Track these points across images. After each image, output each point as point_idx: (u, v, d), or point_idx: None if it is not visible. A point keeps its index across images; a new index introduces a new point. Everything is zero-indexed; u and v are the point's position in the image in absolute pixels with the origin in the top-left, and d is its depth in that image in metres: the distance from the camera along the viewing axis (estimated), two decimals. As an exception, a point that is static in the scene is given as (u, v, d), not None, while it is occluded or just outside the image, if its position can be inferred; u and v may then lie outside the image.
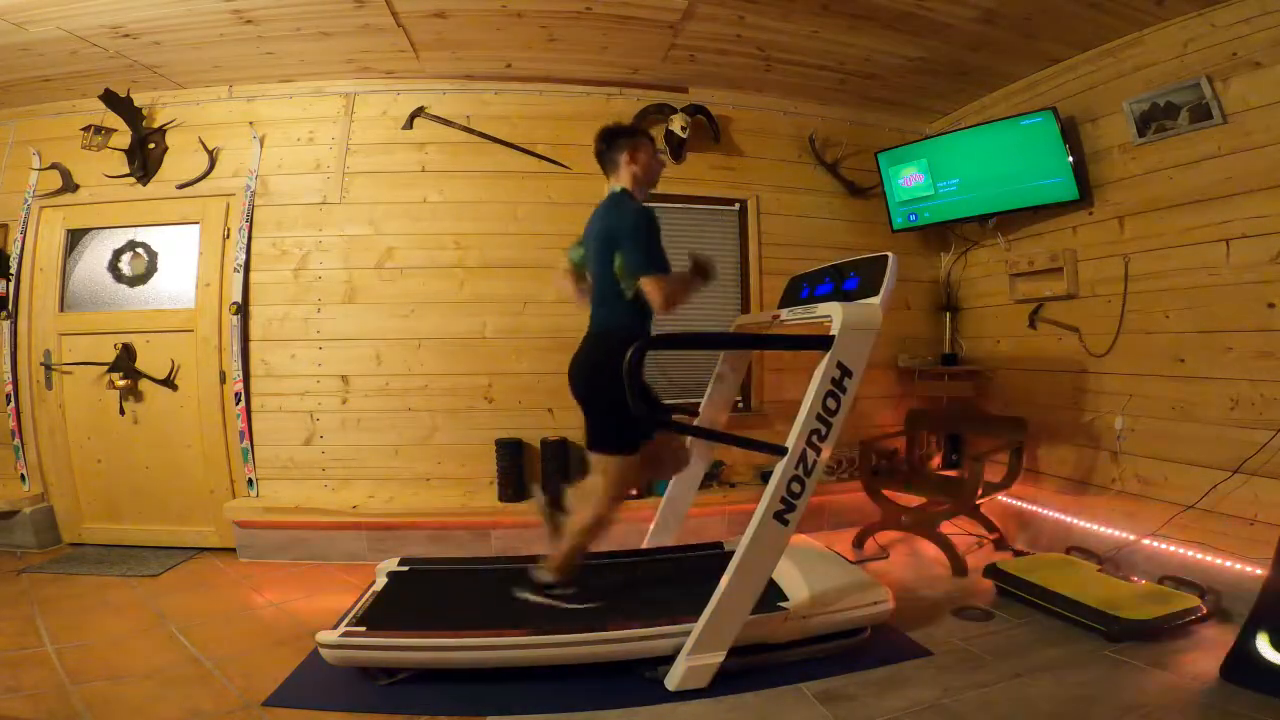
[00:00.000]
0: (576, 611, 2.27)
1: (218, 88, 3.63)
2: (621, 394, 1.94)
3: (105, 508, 3.55)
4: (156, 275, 3.59)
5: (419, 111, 3.65)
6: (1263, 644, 1.99)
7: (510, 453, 3.44)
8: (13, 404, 3.49)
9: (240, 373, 3.47)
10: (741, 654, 2.10)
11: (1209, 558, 2.54)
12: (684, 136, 3.70)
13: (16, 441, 3.50)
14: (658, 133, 3.73)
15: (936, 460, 4.01)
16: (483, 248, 3.64)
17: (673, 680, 2.02)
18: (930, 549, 3.24)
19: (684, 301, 2.23)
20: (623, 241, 2.18)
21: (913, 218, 3.95)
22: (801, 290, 2.65)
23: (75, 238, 3.59)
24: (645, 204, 2.31)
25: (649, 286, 2.12)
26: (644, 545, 2.96)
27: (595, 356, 2.26)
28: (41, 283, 3.54)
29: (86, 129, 3.50)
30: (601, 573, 2.71)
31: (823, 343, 2.03)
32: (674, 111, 3.70)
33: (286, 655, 2.25)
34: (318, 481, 3.55)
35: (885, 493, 3.41)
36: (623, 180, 2.35)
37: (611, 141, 2.37)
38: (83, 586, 2.93)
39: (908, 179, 3.90)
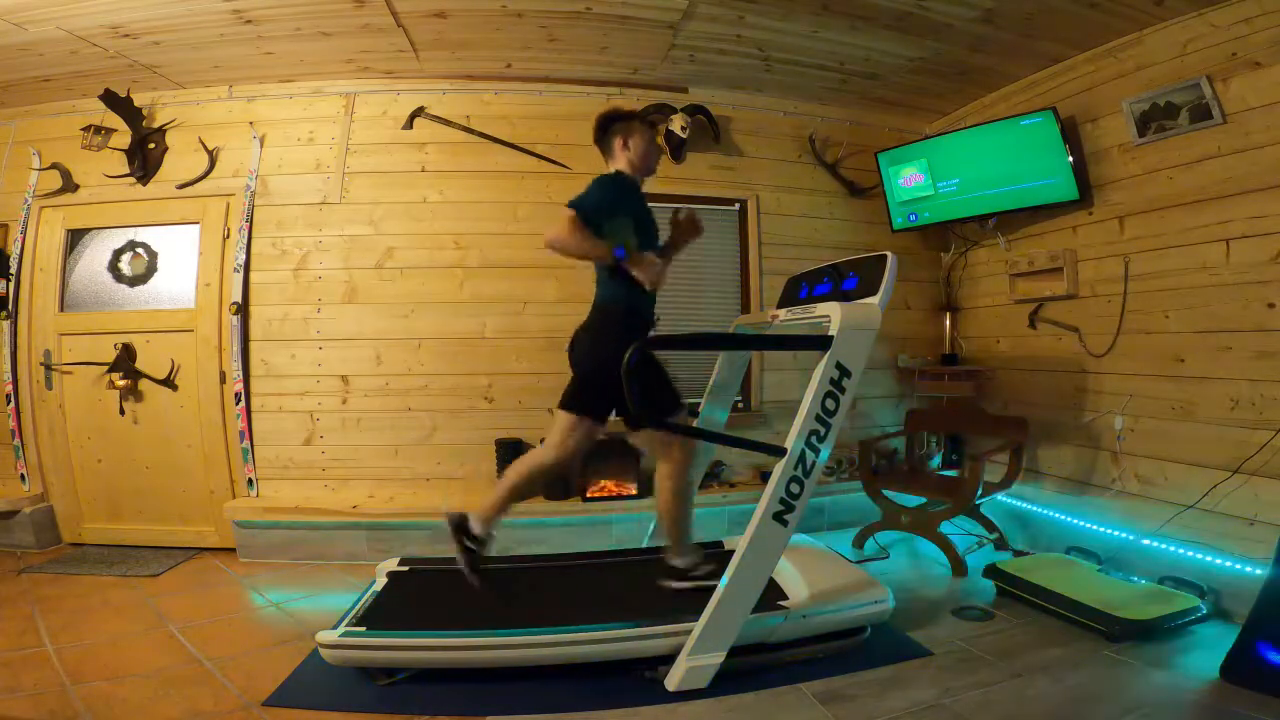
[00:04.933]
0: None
1: (218, 88, 3.63)
2: (613, 368, 1.97)
3: (105, 508, 3.55)
4: (156, 275, 3.59)
5: (419, 111, 3.65)
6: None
7: (510, 453, 3.43)
8: (13, 404, 3.49)
9: (240, 373, 3.47)
10: (741, 654, 2.09)
11: (1209, 558, 2.54)
12: (684, 136, 3.70)
13: (16, 441, 3.50)
14: (657, 133, 3.74)
15: (937, 460, 4.01)
16: (483, 248, 3.64)
17: (673, 680, 2.02)
18: (930, 549, 3.24)
19: (577, 251, 2.20)
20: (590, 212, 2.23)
21: (913, 218, 3.95)
22: (800, 290, 2.65)
23: (75, 238, 3.59)
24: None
25: (561, 215, 2.16)
26: (644, 545, 2.96)
27: (593, 329, 2.38)
28: (41, 283, 3.54)
29: (86, 129, 3.50)
30: (602, 572, 2.72)
31: (821, 343, 2.03)
32: (674, 111, 3.69)
33: (286, 655, 2.25)
34: (318, 481, 3.55)
35: (885, 493, 3.41)
36: (618, 164, 2.42)
37: (607, 127, 2.43)
38: (83, 586, 2.93)
39: (908, 179, 3.90)
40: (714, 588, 2.10)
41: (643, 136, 2.41)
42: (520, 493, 2.45)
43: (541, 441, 3.41)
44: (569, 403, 2.43)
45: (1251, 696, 1.91)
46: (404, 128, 3.64)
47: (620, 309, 2.34)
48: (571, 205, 2.18)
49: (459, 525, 2.39)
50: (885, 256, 2.19)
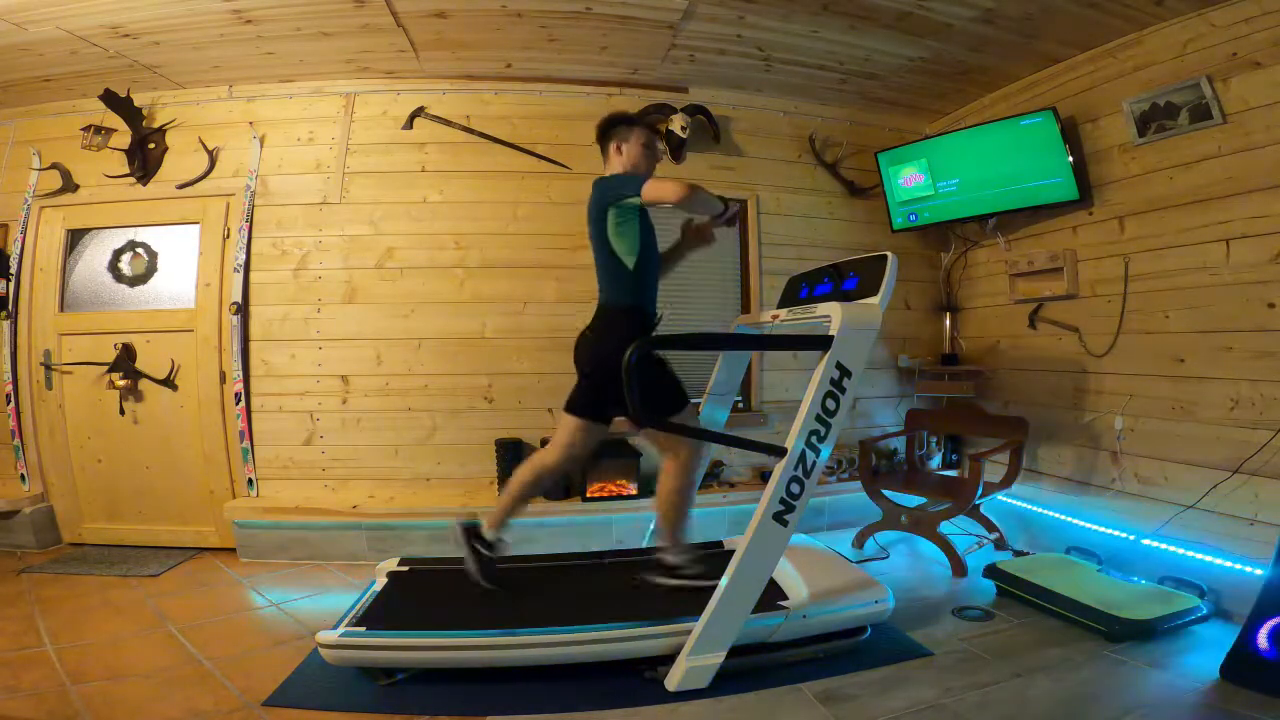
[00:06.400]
0: (706, 589, 2.15)
1: (218, 88, 3.63)
2: (616, 368, 1.96)
3: (105, 508, 3.55)
4: (156, 275, 3.59)
5: (419, 111, 3.65)
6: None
7: (510, 453, 3.44)
8: (13, 404, 3.49)
9: (240, 373, 3.47)
10: (741, 654, 2.09)
11: (1209, 558, 2.54)
12: (684, 136, 3.69)
13: (16, 441, 3.50)
14: (658, 134, 3.74)
15: (937, 460, 4.01)
16: (483, 248, 3.64)
17: (673, 680, 2.02)
18: (930, 549, 3.24)
19: (688, 194, 2.13)
20: (611, 197, 2.27)
21: (913, 218, 3.95)
22: (801, 290, 2.65)
23: (75, 238, 3.58)
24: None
25: (650, 189, 2.17)
26: (644, 545, 2.96)
27: (597, 330, 2.40)
28: (41, 283, 3.54)
29: (86, 129, 3.50)
30: (602, 572, 2.72)
31: (822, 343, 2.03)
32: (674, 111, 3.69)
33: (286, 655, 2.26)
34: (318, 481, 3.55)
35: (885, 493, 3.41)
36: (613, 168, 2.46)
37: (606, 130, 2.47)
38: (83, 586, 2.93)
39: (908, 179, 3.90)
40: (704, 588, 2.11)
41: (637, 140, 2.43)
42: (527, 495, 2.50)
43: (544, 443, 3.47)
44: (574, 405, 2.46)
45: (1251, 696, 1.91)
46: (404, 128, 3.64)
47: (626, 308, 2.36)
48: (638, 187, 2.19)
49: (470, 531, 2.43)
50: (885, 256, 2.19)
